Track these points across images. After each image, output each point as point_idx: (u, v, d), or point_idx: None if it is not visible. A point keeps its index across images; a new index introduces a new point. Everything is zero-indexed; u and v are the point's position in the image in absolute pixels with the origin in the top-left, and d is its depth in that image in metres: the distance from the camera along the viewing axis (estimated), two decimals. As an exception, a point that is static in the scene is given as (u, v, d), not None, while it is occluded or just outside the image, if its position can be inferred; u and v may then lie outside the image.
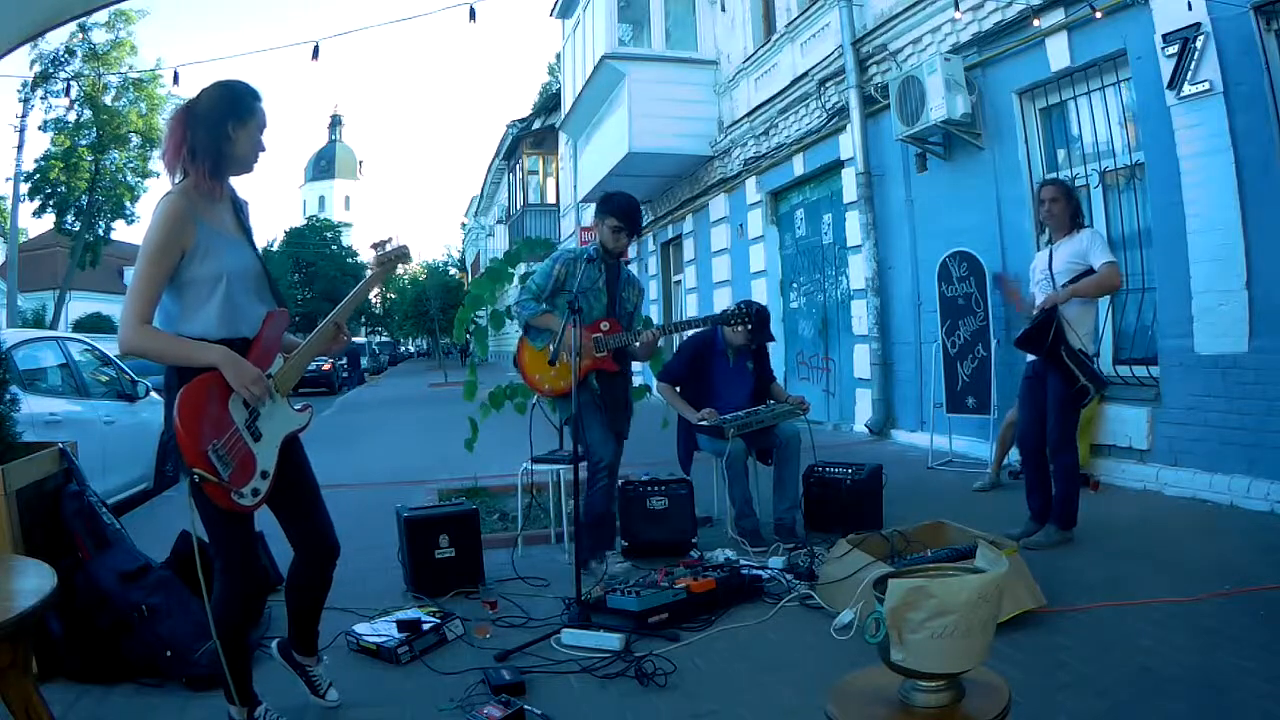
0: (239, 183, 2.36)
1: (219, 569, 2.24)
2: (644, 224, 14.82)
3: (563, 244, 17.63)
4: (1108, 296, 5.13)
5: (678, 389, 4.67)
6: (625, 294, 4.04)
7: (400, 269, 2.60)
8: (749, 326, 4.20)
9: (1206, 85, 4.60)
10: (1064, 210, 4.09)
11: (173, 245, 2.10)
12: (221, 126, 2.18)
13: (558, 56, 22.27)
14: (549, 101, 22.07)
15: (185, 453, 2.04)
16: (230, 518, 2.17)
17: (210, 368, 2.12)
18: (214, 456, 2.07)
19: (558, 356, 3.57)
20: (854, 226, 8.20)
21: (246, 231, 2.34)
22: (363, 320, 47.44)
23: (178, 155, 2.17)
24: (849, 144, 8.09)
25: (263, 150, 2.29)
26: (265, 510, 2.30)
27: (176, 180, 2.20)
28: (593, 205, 4.06)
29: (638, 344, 3.91)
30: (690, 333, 4.88)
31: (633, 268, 16.03)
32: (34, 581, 1.95)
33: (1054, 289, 4.04)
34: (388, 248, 2.53)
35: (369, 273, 2.55)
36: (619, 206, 3.89)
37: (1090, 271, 4.00)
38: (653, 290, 14.95)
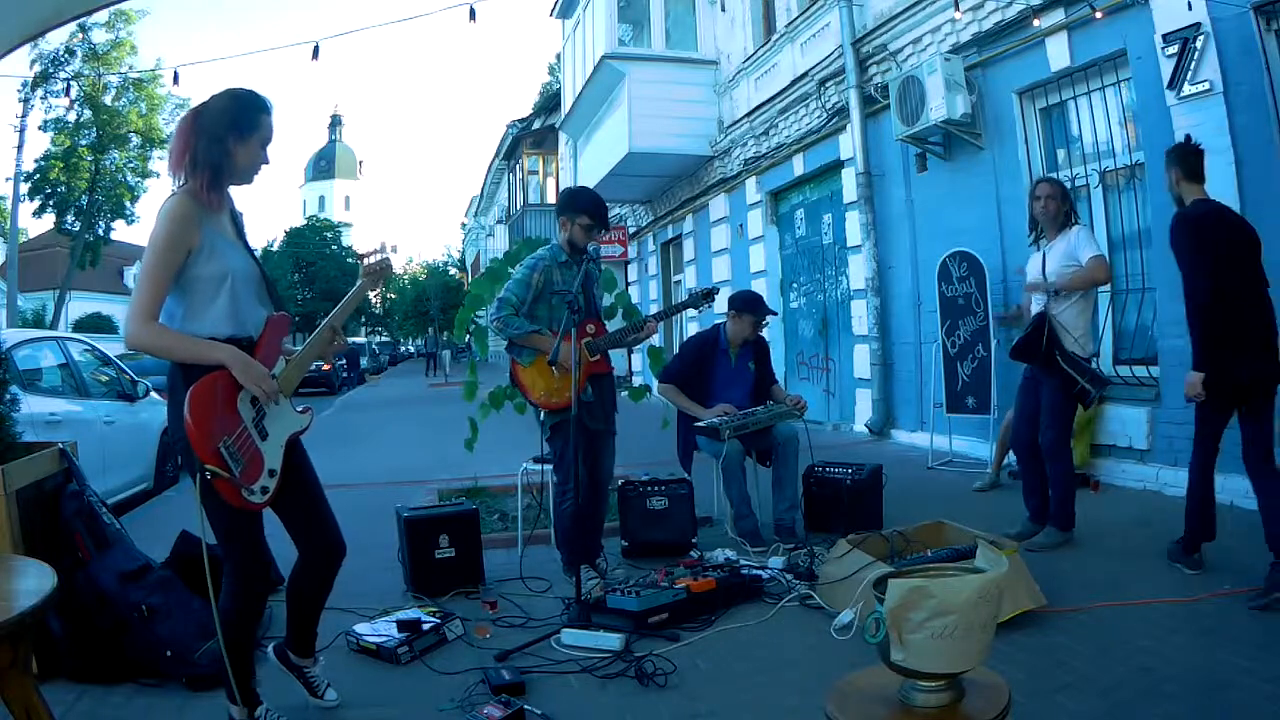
0: (236, 189, 2.36)
1: (228, 568, 2.25)
2: (644, 224, 14.90)
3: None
4: (1106, 296, 5.14)
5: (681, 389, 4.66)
6: (596, 292, 4.01)
7: (401, 269, 2.68)
8: (712, 303, 4.14)
9: (1206, 85, 4.60)
10: (1059, 208, 4.09)
11: (179, 243, 2.11)
12: (222, 141, 2.17)
13: (558, 56, 22.27)
14: (549, 101, 22.06)
15: (198, 449, 2.05)
16: (239, 516, 2.19)
17: (218, 366, 2.13)
18: (226, 453, 2.09)
19: (557, 358, 3.54)
20: (854, 226, 8.20)
21: (243, 239, 2.36)
22: (363, 320, 47.47)
23: (181, 162, 2.18)
24: (849, 144, 8.09)
25: (265, 164, 2.28)
26: (264, 511, 2.31)
27: (180, 183, 2.20)
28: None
29: (637, 335, 3.89)
30: (692, 333, 4.88)
31: (634, 266, 16.02)
32: (34, 581, 1.95)
33: (1048, 294, 4.05)
34: (372, 259, 2.60)
35: (359, 281, 2.59)
36: (589, 203, 3.83)
37: None
38: (652, 290, 14.95)
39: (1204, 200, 3.44)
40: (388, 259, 2.61)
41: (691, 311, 12.05)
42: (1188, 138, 3.62)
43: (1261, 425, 3.35)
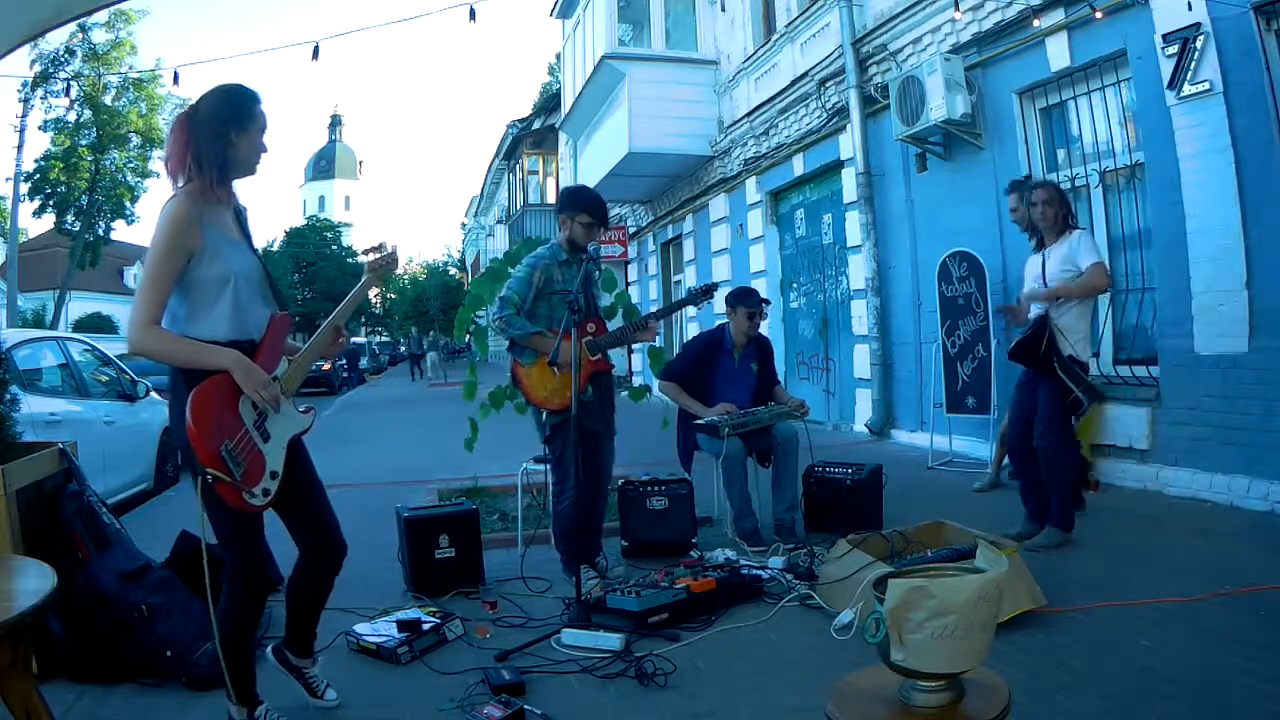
0: (238, 183, 2.36)
1: (229, 570, 2.24)
2: (644, 224, 14.89)
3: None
4: (1106, 297, 5.14)
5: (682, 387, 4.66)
6: (595, 292, 4.00)
7: (401, 269, 2.66)
8: (710, 299, 4.11)
9: (1206, 85, 4.60)
10: (1056, 213, 4.10)
11: (180, 247, 2.11)
12: (225, 134, 2.19)
13: (558, 56, 22.27)
14: (549, 101, 22.06)
15: (199, 453, 2.05)
16: (240, 518, 2.18)
17: (219, 370, 2.12)
18: (227, 456, 2.08)
19: (557, 357, 3.54)
20: (854, 226, 8.20)
21: (247, 236, 2.36)
22: (363, 320, 47.43)
23: (182, 162, 2.18)
24: (849, 144, 8.09)
25: (264, 151, 2.31)
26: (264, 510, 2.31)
27: (179, 185, 2.20)
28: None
29: (637, 334, 3.89)
30: (692, 334, 4.88)
31: (634, 266, 16.02)
32: (34, 581, 1.95)
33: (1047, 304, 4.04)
34: (378, 254, 2.59)
35: (364, 277, 2.59)
36: (590, 202, 3.83)
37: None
38: (652, 290, 14.95)
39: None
40: (394, 254, 2.60)
41: (691, 311, 12.06)
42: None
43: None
